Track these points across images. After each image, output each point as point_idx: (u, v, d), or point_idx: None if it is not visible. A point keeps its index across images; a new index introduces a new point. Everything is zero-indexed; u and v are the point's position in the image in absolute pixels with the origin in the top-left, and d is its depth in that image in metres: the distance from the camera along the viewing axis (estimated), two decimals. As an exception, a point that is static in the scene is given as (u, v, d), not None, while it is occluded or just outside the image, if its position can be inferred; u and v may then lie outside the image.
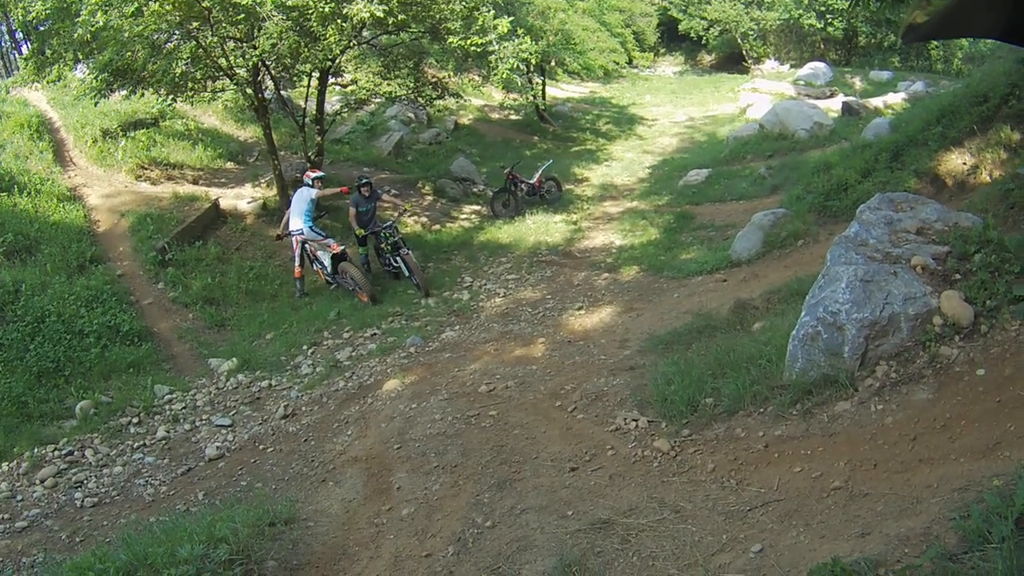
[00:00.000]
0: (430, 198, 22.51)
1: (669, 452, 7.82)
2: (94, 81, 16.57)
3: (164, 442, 11.00)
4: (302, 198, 15.68)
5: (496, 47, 17.19)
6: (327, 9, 14.66)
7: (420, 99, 20.88)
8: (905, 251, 8.04)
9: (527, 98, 31.86)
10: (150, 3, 14.24)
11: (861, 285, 7.53)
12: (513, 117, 34.55)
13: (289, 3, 14.76)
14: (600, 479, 7.65)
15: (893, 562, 4.68)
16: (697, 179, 23.40)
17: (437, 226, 20.42)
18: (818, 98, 33.69)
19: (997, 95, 14.39)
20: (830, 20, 47.44)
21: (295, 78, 19.42)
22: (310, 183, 15.90)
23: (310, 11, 14.93)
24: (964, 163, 14.07)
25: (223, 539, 6.95)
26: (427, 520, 7.52)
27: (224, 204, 18.55)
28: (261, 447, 10.41)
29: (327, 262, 15.55)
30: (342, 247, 15.66)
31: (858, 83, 39.60)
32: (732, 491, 6.84)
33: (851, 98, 32.15)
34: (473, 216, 21.81)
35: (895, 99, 30.90)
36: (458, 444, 8.97)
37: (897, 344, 7.34)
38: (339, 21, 15.18)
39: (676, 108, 41.06)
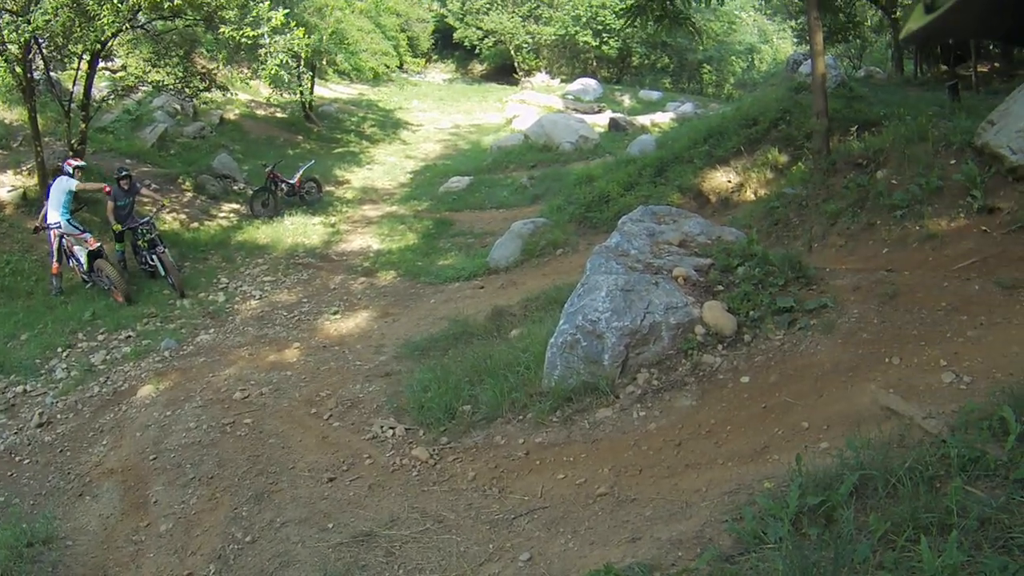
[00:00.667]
0: (190, 194, 21.77)
1: (428, 460, 7.79)
2: None
3: (-87, 457, 10.24)
4: (60, 189, 14.88)
5: (267, 40, 16.81)
6: (105, -13, 14.05)
7: (187, 90, 20.21)
8: (667, 262, 8.23)
9: (296, 93, 31.39)
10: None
11: (621, 294, 7.65)
12: (279, 115, 33.92)
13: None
14: (359, 489, 7.57)
15: (668, 566, 4.72)
16: (458, 186, 23.60)
17: (195, 224, 19.77)
18: (586, 113, 34.49)
19: (767, 119, 15.10)
20: (606, 39, 48.53)
21: (66, 59, 18.50)
22: (70, 172, 15.10)
23: (88, -14, 14.30)
24: (729, 181, 14.68)
25: None
26: (186, 536, 7.28)
27: (-16, 192, 17.40)
28: (17, 458, 9.78)
29: (83, 258, 14.80)
30: (98, 243, 14.92)
31: (627, 101, 40.77)
32: (495, 499, 6.84)
33: (619, 115, 33.13)
34: (232, 215, 21.22)
35: (663, 118, 32.07)
36: (214, 454, 8.73)
37: (658, 352, 7.49)
38: (115, 1, 14.56)
39: (443, 115, 41.27)
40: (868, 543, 4.00)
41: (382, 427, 8.61)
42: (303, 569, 6.30)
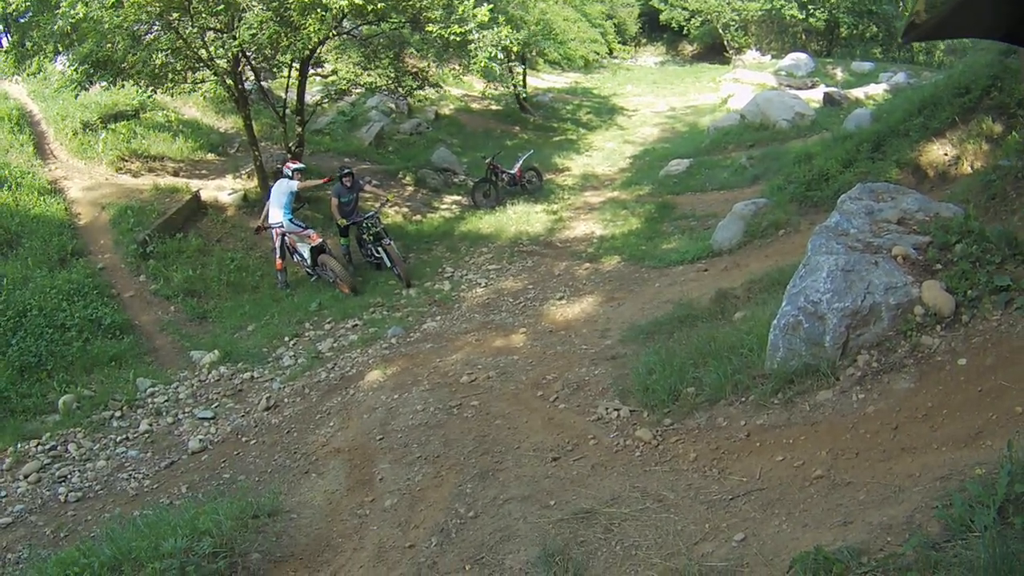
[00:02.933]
0: (411, 188, 22.51)
1: (651, 441, 7.83)
2: (74, 73, 16.46)
3: (147, 435, 11.00)
4: (281, 190, 15.67)
5: (475, 36, 17.15)
6: (307, -1, 14.58)
7: (400, 89, 20.81)
8: (886, 241, 8.05)
9: (508, 87, 31.82)
10: (129, -6, 14.17)
11: (842, 275, 7.53)
12: (494, 107, 34.47)
13: (268, -7, 14.76)
14: (582, 469, 7.65)
15: (876, 551, 4.68)
16: (678, 169, 23.41)
17: (418, 216, 20.41)
18: (799, 89, 33.68)
19: (979, 87, 14.42)
20: (812, 11, 47.15)
21: (275, 69, 19.41)
22: (290, 174, 15.86)
23: (290, 1, 14.85)
24: (946, 154, 14.13)
25: (206, 532, 6.94)
26: (410, 511, 7.52)
27: (205, 196, 18.48)
28: (244, 439, 10.43)
29: (306, 254, 15.58)
30: (321, 239, 15.71)
31: (839, 74, 39.56)
32: (714, 480, 6.85)
33: (833, 89, 32.15)
34: (454, 206, 21.82)
35: (876, 90, 30.98)
36: (440, 435, 8.96)
37: (878, 333, 7.35)
38: (319, 11, 15.08)
39: (657, 98, 41.00)
40: (1070, 538, 3.90)
41: (607, 409, 8.71)
42: (523, 543, 6.41)
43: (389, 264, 15.90)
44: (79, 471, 10.15)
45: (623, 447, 7.93)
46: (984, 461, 5.25)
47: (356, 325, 13.90)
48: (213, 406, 11.67)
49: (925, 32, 1.79)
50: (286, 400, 11.40)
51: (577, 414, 8.92)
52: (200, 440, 10.59)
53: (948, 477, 5.34)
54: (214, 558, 6.69)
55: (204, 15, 15.76)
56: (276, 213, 15.58)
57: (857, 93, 30.72)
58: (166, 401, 11.92)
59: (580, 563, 5.91)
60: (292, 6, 14.97)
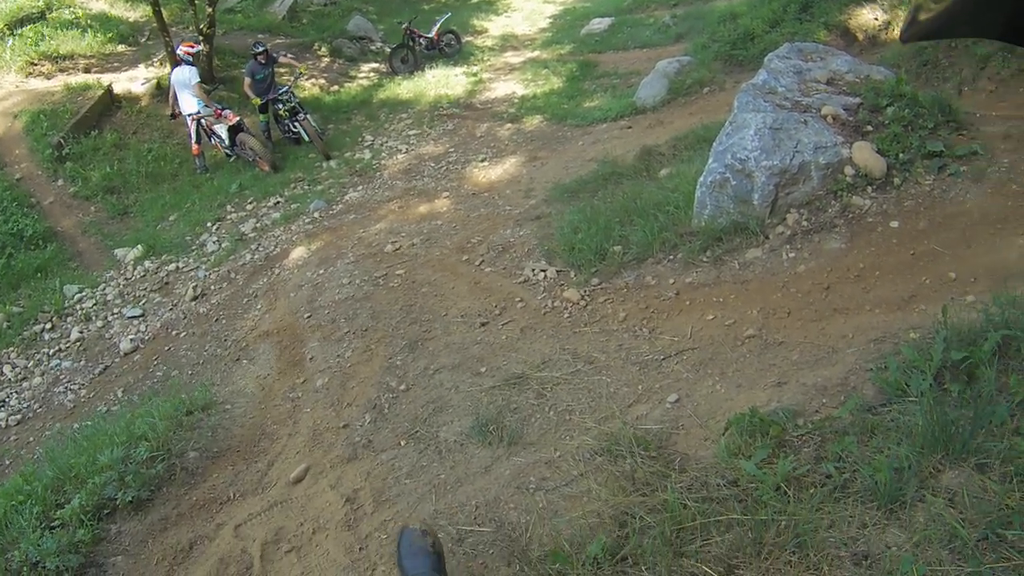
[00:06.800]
0: (327, 59, 22.09)
1: (579, 302, 7.82)
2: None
3: (79, 343, 10.95)
4: (184, 80, 15.19)
5: None
6: None
7: (312, -40, 20.26)
8: (815, 100, 7.98)
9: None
10: None
11: (770, 132, 7.46)
12: (410, -29, 33.67)
13: None
14: (511, 333, 7.65)
15: (811, 412, 4.68)
16: (600, 27, 23.13)
17: (336, 87, 20.05)
18: (725, -51, 33.21)
19: (914, -48, 14.27)
20: None
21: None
22: (190, 60, 15.39)
23: None
24: (876, 18, 14.07)
25: (142, 437, 6.84)
26: (342, 389, 7.47)
27: (118, 89, 17.98)
28: (174, 333, 10.36)
29: (224, 135, 15.26)
30: (238, 118, 15.38)
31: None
32: (645, 340, 6.85)
33: (758, -51, 31.74)
34: (372, 74, 21.49)
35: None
36: (368, 307, 8.93)
37: (808, 193, 7.32)
38: None
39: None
40: (1007, 406, 3.87)
41: (533, 270, 8.68)
42: (456, 413, 6.40)
43: (307, 138, 15.69)
44: (16, 392, 10.15)
45: (551, 309, 7.91)
46: (918, 325, 5.29)
47: (278, 203, 13.77)
48: (141, 303, 11.59)
49: (926, 32, 1.67)
50: (212, 287, 11.32)
51: (504, 277, 8.89)
52: (131, 340, 10.53)
53: (882, 340, 5.35)
54: (152, 463, 6.58)
55: None
56: (189, 102, 15.21)
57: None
58: (94, 305, 11.82)
59: (514, 430, 5.88)
60: None
